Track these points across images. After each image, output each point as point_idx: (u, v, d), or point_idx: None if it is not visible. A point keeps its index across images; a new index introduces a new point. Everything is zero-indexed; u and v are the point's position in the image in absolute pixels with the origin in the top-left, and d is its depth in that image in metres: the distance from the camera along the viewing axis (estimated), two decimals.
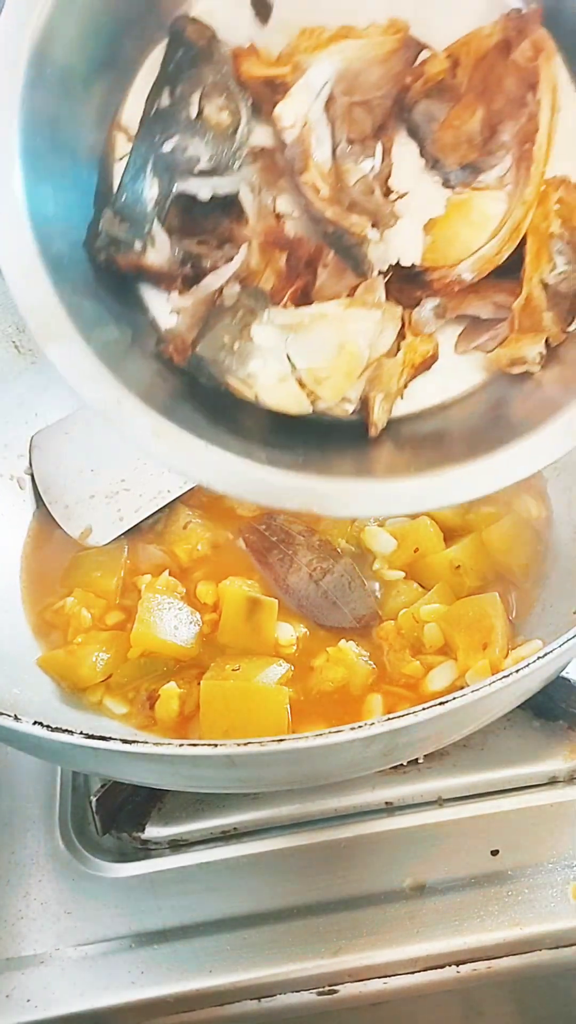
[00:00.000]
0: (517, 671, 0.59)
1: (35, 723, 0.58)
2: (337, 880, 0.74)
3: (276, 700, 0.75)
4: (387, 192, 0.69)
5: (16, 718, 0.58)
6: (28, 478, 0.97)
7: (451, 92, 0.67)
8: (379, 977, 0.71)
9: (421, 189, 0.68)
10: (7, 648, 0.82)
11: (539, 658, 0.60)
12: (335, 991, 0.71)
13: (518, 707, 0.70)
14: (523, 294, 0.65)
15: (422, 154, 0.69)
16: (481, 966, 0.71)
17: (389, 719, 0.55)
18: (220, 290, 0.66)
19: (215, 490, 0.60)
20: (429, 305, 0.68)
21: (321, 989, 0.71)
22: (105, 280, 0.65)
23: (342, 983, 0.71)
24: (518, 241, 0.66)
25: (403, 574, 0.86)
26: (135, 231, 0.64)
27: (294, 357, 0.66)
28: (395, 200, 0.69)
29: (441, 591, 0.83)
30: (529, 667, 0.59)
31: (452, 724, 0.62)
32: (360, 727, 0.55)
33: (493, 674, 0.60)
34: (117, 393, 0.60)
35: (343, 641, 0.81)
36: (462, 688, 0.59)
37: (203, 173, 0.66)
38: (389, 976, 0.71)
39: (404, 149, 0.69)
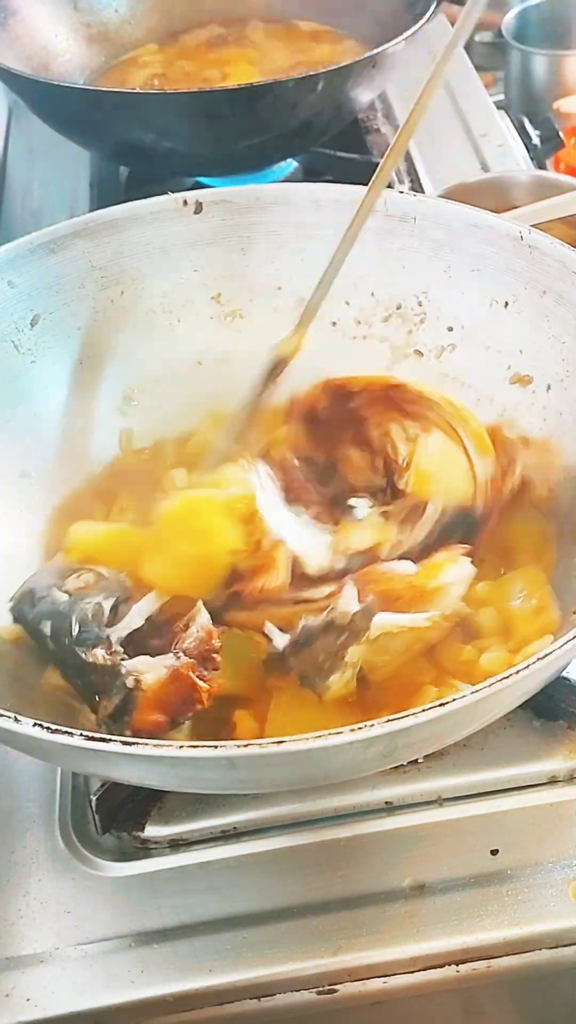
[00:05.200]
0: (517, 672, 0.59)
1: (35, 724, 0.58)
2: (337, 880, 0.74)
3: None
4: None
5: (16, 718, 0.58)
6: None
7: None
8: (379, 976, 0.71)
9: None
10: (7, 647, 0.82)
11: (539, 658, 0.60)
12: (335, 991, 0.71)
13: (518, 707, 0.70)
14: None
15: None
16: (481, 965, 0.71)
17: (389, 720, 0.55)
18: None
19: None
20: None
21: (321, 988, 0.71)
22: None
23: (342, 982, 0.71)
24: None
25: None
26: None
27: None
28: None
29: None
30: (529, 667, 0.59)
31: (452, 725, 0.62)
32: (360, 728, 0.55)
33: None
34: None
35: None
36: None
37: None
38: (389, 975, 0.71)
39: None
